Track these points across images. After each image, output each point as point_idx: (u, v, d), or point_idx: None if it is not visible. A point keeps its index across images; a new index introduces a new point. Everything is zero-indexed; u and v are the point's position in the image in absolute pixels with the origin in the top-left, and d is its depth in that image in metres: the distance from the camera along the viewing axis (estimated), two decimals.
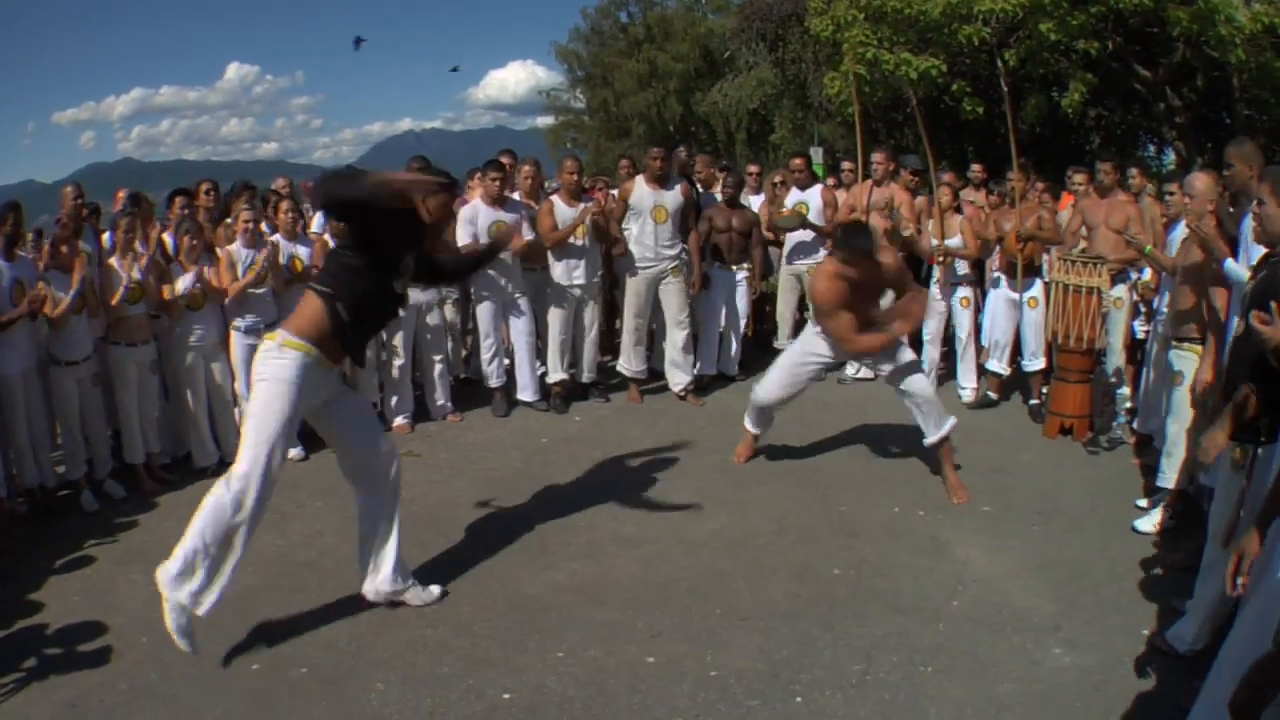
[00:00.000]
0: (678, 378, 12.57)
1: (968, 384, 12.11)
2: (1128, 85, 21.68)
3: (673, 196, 12.22)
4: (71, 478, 10.06)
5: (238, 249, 10.51)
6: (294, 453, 10.56)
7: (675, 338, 12.53)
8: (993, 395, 11.98)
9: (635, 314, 12.57)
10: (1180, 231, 8.82)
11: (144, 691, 6.52)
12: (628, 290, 12.59)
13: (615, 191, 13.33)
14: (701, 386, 12.87)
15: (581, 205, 12.17)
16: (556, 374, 12.52)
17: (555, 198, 12.24)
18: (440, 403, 12.22)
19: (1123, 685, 6.08)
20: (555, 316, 12.30)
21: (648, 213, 12.16)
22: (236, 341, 10.58)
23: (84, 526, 9.45)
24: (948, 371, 12.68)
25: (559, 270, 12.19)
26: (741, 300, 13.49)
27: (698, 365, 13.15)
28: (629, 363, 12.82)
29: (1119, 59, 20.65)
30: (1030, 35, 18.59)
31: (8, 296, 9.23)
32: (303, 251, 11.01)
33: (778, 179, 13.89)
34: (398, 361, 11.74)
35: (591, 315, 12.62)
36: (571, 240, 12.01)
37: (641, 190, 12.26)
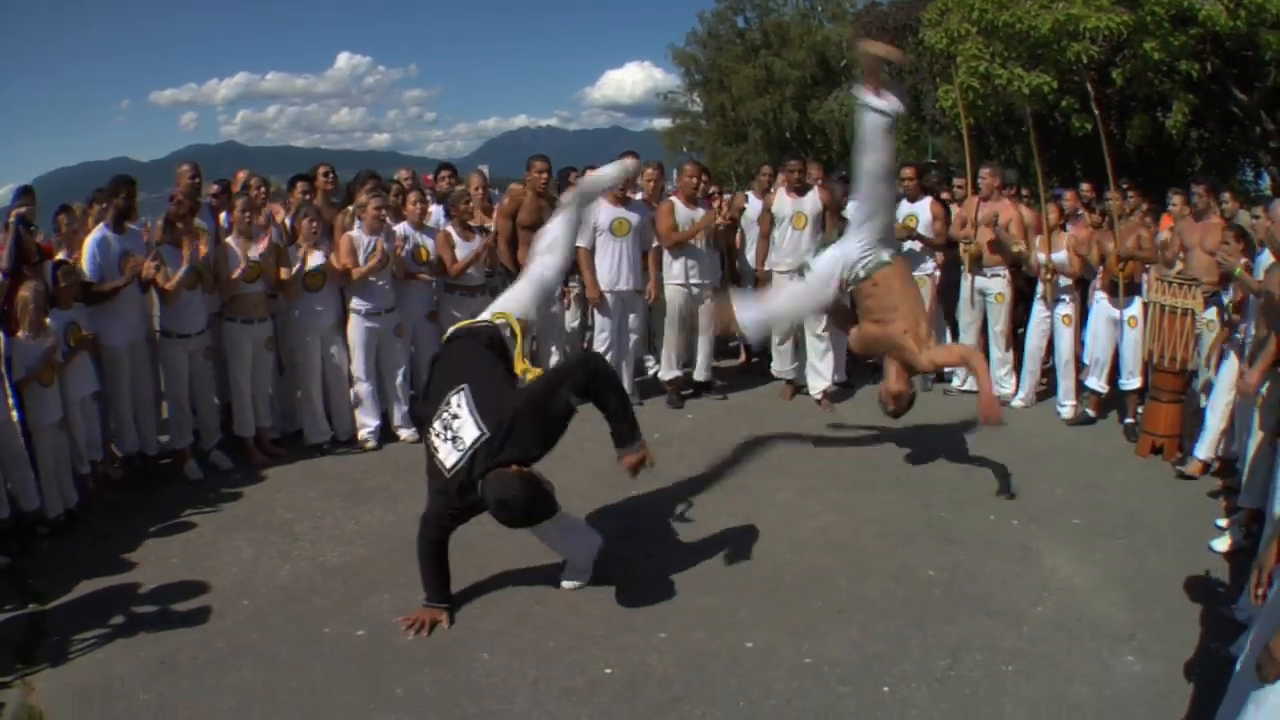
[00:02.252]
0: (816, 382, 12.64)
1: (1068, 401, 12.02)
2: (1226, 108, 21.68)
3: (811, 203, 12.48)
4: (176, 447, 10.32)
5: (359, 235, 10.74)
6: (406, 434, 11.02)
7: (815, 344, 12.62)
8: (1090, 412, 11.92)
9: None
10: (1267, 256, 8.85)
11: (241, 650, 6.72)
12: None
13: (728, 197, 13.52)
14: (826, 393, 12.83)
15: (699, 210, 12.43)
16: (671, 371, 12.74)
17: (675, 199, 12.49)
18: None
19: (1186, 694, 6.18)
20: (672, 315, 12.51)
21: (789, 219, 12.44)
22: (355, 324, 10.83)
23: (186, 494, 9.73)
24: (1048, 388, 12.66)
25: (677, 269, 12.41)
26: None
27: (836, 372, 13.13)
28: (779, 363, 13.06)
29: (1217, 81, 20.67)
30: (1135, 55, 18.65)
31: (116, 269, 9.53)
32: (428, 242, 11.27)
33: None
34: None
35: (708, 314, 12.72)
36: (691, 241, 12.25)
37: (782, 199, 12.57)
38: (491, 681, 6.28)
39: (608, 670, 6.38)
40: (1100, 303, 11.49)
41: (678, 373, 12.76)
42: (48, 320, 8.61)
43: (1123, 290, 11.10)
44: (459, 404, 6.90)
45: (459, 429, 6.79)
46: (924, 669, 6.38)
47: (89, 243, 9.51)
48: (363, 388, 10.87)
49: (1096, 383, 11.72)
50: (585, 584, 7.60)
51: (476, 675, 6.35)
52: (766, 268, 12.80)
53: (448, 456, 6.80)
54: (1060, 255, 11.62)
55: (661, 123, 62.39)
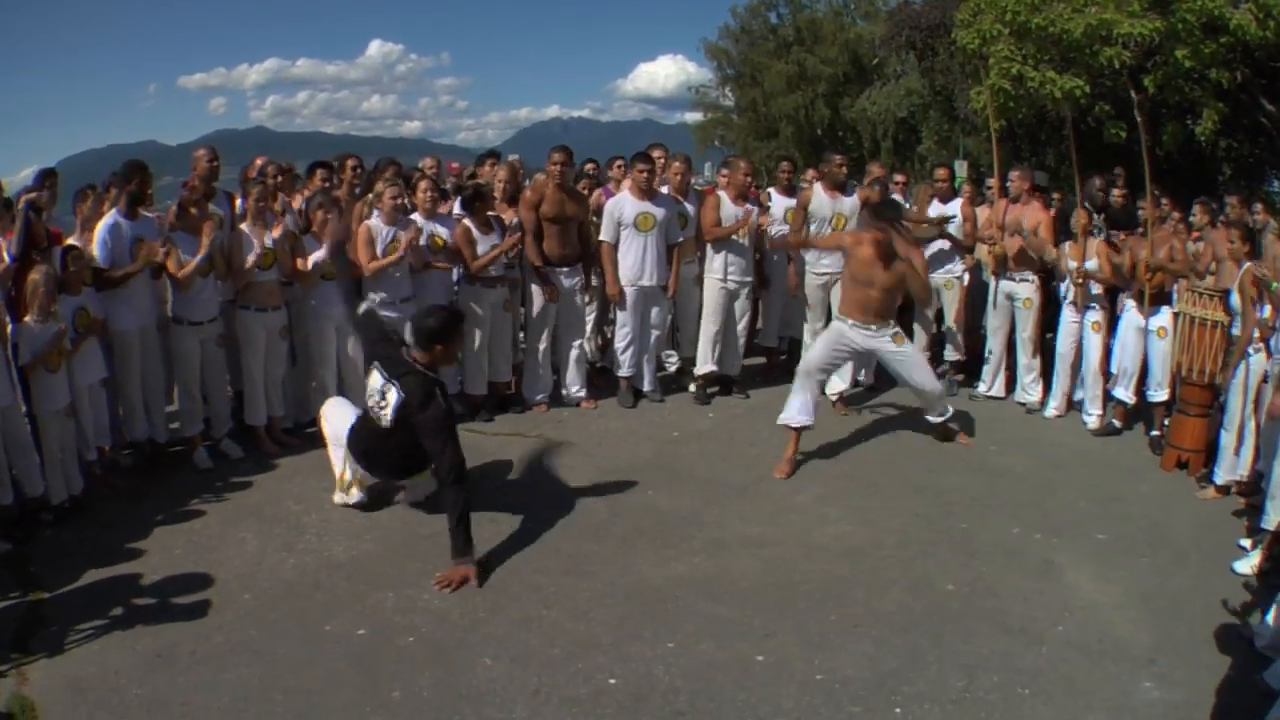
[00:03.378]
0: (834, 384, 12.30)
1: (1094, 410, 11.79)
2: (1255, 118, 21.58)
3: (851, 204, 12.21)
4: (186, 435, 10.21)
5: (377, 225, 10.65)
6: None
7: None
8: (1117, 423, 11.69)
9: (815, 318, 12.57)
10: None
11: (239, 646, 6.63)
12: (809, 295, 12.59)
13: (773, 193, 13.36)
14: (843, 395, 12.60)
15: (746, 205, 12.33)
16: (705, 365, 12.58)
17: (722, 194, 12.36)
18: (574, 388, 12.31)
19: None
20: (710, 309, 12.38)
21: (828, 220, 12.11)
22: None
23: (196, 483, 9.61)
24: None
25: (717, 265, 12.30)
26: None
27: (864, 374, 13.07)
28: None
29: (1246, 91, 20.57)
30: (1167, 61, 18.58)
31: (128, 255, 9.42)
32: (442, 231, 11.08)
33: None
34: (540, 346, 11.89)
35: (742, 310, 12.71)
36: (734, 237, 12.15)
37: (821, 198, 12.23)
38: (492, 688, 6.16)
39: (612, 680, 6.25)
40: (1129, 311, 11.28)
41: (711, 367, 12.59)
42: (56, 306, 8.50)
43: (1148, 300, 10.91)
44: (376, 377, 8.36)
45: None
46: (939, 689, 6.23)
47: (101, 228, 9.38)
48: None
49: (1124, 393, 11.49)
50: None
51: (477, 681, 6.23)
52: (808, 269, 12.52)
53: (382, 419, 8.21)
54: (1092, 263, 11.44)
55: (693, 116, 62.48)
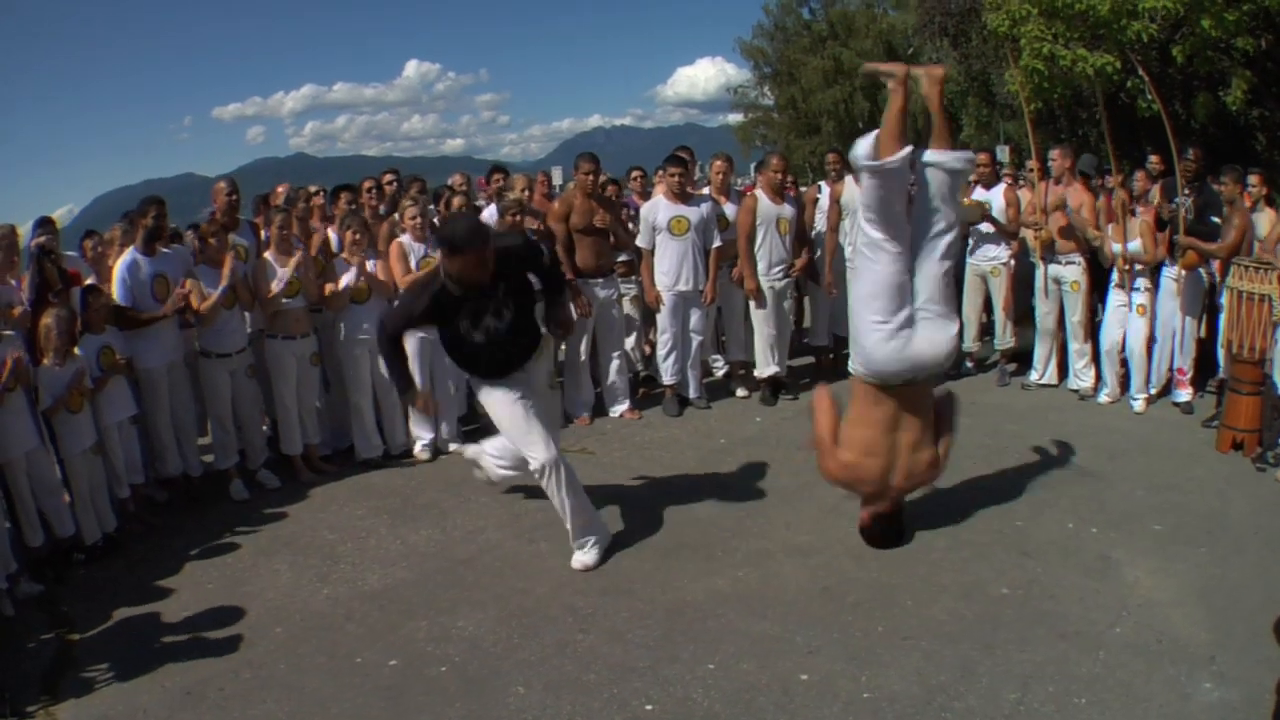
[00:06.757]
0: None
1: (1140, 394, 11.54)
2: None
3: None
4: (221, 467, 10.15)
5: (409, 242, 10.58)
6: (455, 446, 10.64)
7: None
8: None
9: None
10: None
11: (269, 682, 6.55)
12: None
13: (803, 189, 13.24)
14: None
15: (785, 205, 12.18)
16: (768, 368, 12.39)
17: (759, 192, 12.13)
18: (617, 399, 12.19)
19: None
20: (761, 312, 12.17)
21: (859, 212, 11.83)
22: (408, 334, 10.35)
23: (231, 515, 9.56)
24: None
25: (760, 265, 12.07)
26: None
27: None
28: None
29: (1273, 58, 20.51)
30: (1193, 32, 18.64)
31: (149, 291, 9.37)
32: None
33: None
34: (580, 358, 11.81)
35: (790, 309, 12.69)
36: (775, 235, 12.01)
37: (852, 190, 11.92)
38: (524, 718, 6.00)
39: (648, 706, 6.04)
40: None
41: (774, 369, 12.44)
42: (76, 349, 8.53)
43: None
44: None
45: None
46: (991, 703, 5.97)
47: (119, 266, 9.37)
48: None
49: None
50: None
51: (509, 711, 6.07)
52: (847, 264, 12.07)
53: None
54: (1135, 244, 11.18)
55: (735, 117, 62.70)
